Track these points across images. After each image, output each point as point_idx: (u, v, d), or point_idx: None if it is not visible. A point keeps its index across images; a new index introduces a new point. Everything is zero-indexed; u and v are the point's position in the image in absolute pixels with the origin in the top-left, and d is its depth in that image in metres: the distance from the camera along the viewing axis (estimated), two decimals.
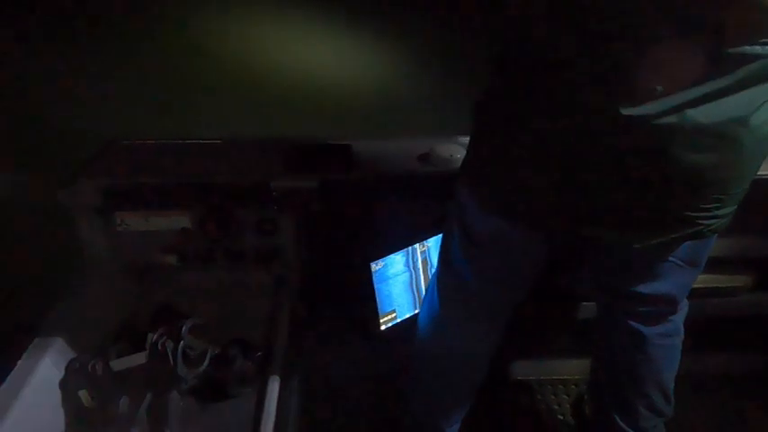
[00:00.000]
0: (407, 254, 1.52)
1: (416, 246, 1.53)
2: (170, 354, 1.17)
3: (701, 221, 0.98)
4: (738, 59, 0.79)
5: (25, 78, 2.12)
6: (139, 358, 1.20)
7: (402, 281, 1.52)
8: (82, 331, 1.25)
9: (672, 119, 0.82)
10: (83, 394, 1.17)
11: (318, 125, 2.12)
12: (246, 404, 1.18)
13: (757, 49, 0.79)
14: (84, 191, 1.37)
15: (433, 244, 1.55)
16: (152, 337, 1.21)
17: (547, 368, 1.88)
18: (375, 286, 1.46)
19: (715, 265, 1.55)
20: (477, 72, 1.07)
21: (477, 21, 2.03)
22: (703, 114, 0.82)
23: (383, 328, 1.51)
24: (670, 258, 1.15)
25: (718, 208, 0.97)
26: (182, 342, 1.18)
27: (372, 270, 1.45)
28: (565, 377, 1.87)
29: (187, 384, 1.20)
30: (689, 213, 0.96)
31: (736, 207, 1.02)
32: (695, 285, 1.24)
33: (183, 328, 1.20)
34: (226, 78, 2.10)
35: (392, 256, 1.48)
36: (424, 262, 1.56)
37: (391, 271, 1.49)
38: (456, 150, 1.45)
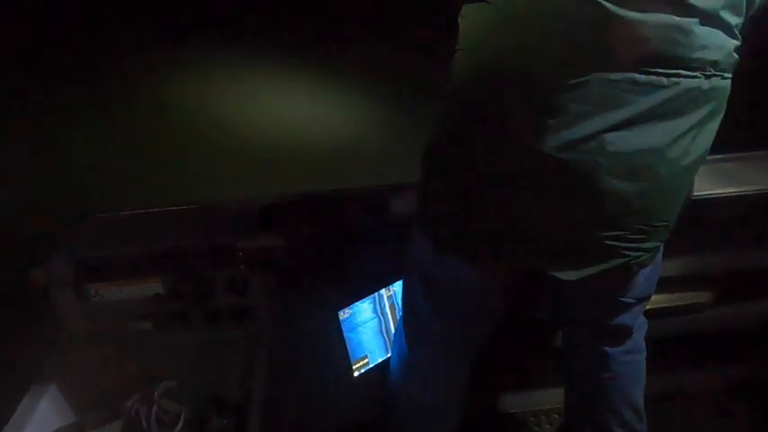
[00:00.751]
0: (374, 300, 1.56)
1: (382, 291, 1.58)
2: (143, 419, 1.20)
3: (626, 252, 1.02)
4: (649, 88, 0.85)
5: None
6: (115, 427, 1.22)
7: (371, 327, 1.56)
8: (58, 403, 1.27)
9: (594, 143, 0.87)
10: None
11: (284, 181, 2.19)
12: None
13: (663, 80, 0.85)
14: (56, 267, 1.41)
15: (399, 288, 1.59)
16: (127, 404, 1.24)
17: (530, 400, 1.89)
18: (344, 334, 1.50)
19: (676, 283, 1.60)
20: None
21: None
22: (621, 141, 0.88)
23: (356, 374, 1.54)
24: (622, 299, 1.19)
25: (642, 240, 1.01)
26: (154, 406, 1.21)
27: (340, 318, 1.49)
28: (548, 407, 1.88)
29: None
30: (614, 243, 1.00)
31: (659, 244, 1.06)
32: (659, 305, 1.28)
33: (156, 392, 1.23)
34: (190, 147, 2.18)
35: (359, 303, 1.53)
36: (392, 306, 1.60)
37: (360, 318, 1.53)
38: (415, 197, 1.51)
